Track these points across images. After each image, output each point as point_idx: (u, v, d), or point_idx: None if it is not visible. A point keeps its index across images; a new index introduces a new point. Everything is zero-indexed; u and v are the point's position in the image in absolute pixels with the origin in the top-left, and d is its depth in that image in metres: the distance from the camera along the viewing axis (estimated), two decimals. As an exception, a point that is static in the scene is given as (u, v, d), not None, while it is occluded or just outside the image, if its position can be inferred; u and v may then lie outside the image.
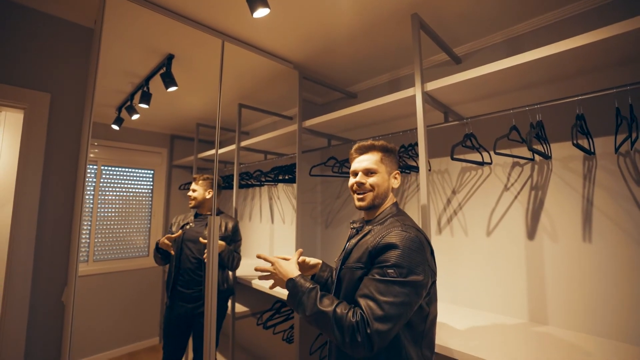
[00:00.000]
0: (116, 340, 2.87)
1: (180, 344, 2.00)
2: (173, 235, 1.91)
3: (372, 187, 1.01)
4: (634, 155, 1.18)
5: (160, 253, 1.96)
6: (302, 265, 1.15)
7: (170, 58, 1.79)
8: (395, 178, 1.05)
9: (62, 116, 1.52)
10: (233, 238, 1.96)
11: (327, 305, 0.84)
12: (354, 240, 1.02)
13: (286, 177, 2.24)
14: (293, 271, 0.98)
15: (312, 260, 1.18)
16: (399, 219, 0.96)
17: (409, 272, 0.83)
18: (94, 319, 2.67)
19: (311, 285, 0.91)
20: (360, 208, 1.03)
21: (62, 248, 1.51)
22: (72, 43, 1.58)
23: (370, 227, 1.00)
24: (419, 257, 0.86)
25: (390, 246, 0.86)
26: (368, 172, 1.02)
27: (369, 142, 1.06)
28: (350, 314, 0.80)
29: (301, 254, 1.11)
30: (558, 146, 1.34)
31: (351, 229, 1.09)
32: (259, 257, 1.09)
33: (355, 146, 1.07)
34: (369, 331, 0.77)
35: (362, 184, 1.02)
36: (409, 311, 0.83)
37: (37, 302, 1.40)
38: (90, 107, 1.30)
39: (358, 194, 1.03)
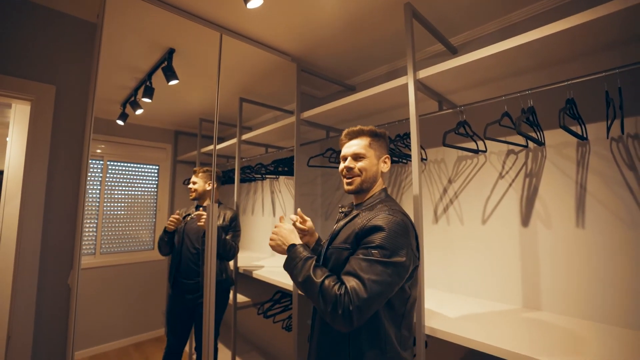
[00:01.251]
0: (122, 331, 2.94)
1: (183, 333, 2.05)
2: (177, 216, 1.95)
3: (360, 172, 1.04)
4: (626, 139, 1.19)
5: (168, 237, 1.99)
6: (305, 232, 1.22)
7: (171, 52, 1.83)
8: (385, 162, 1.08)
9: (67, 109, 1.58)
10: (231, 228, 2.00)
11: (319, 276, 0.88)
12: (342, 223, 1.04)
13: (285, 169, 2.27)
14: (295, 239, 1.02)
15: (312, 227, 1.22)
16: (387, 204, 0.99)
17: (392, 254, 0.86)
18: (100, 309, 2.74)
19: (308, 255, 0.96)
20: (348, 192, 1.07)
21: (68, 235, 1.57)
22: (76, 37, 1.64)
23: (358, 211, 1.03)
24: (403, 240, 0.89)
25: (376, 228, 0.89)
26: (357, 157, 1.05)
27: (358, 127, 1.08)
28: (336, 287, 0.84)
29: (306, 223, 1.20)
30: (552, 133, 1.34)
31: (340, 212, 1.13)
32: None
33: (345, 132, 1.10)
34: (351, 308, 0.80)
35: (351, 168, 1.05)
36: (390, 291, 0.86)
37: (44, 286, 1.46)
38: (92, 99, 1.34)
39: (347, 178, 1.06)
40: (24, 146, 2.08)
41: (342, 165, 1.08)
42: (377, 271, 0.83)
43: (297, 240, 1.02)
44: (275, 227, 1.06)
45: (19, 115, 2.13)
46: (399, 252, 0.86)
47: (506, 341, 1.01)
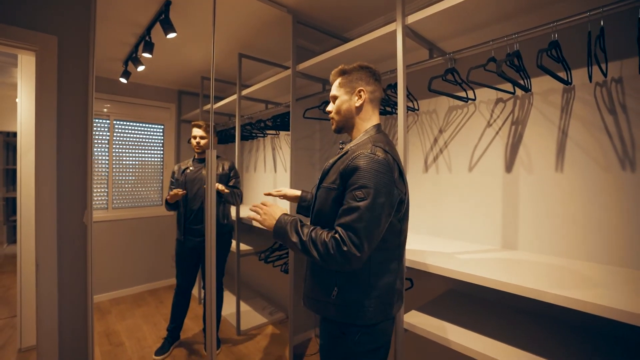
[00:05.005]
0: (138, 278, 3.20)
1: (191, 274, 2.21)
2: (180, 194, 2.07)
3: (335, 114, 1.10)
4: (610, 84, 1.21)
5: (170, 205, 2.15)
6: (287, 198, 1.34)
7: (167, 4, 1.84)
8: (359, 96, 1.05)
9: (70, 59, 1.63)
10: (231, 176, 2.16)
11: (305, 233, 0.95)
12: (331, 161, 1.06)
13: (284, 123, 2.33)
14: (277, 212, 1.05)
15: (290, 192, 1.33)
16: (373, 140, 0.99)
17: (376, 194, 0.88)
18: (116, 258, 2.97)
19: (291, 219, 1.01)
20: (334, 132, 1.13)
21: (80, 180, 1.68)
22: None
23: (348, 147, 1.05)
24: (386, 178, 0.91)
25: (358, 168, 0.91)
26: (333, 99, 1.11)
27: (334, 70, 1.11)
28: (324, 234, 0.91)
29: (280, 192, 1.35)
30: (539, 80, 1.36)
31: (340, 148, 1.15)
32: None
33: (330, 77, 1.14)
34: (345, 249, 0.86)
35: (330, 111, 1.11)
36: (382, 230, 0.92)
37: (63, 224, 1.60)
38: (93, 42, 1.40)
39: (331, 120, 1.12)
40: (32, 100, 2.17)
41: None
42: (366, 217, 0.87)
43: (280, 213, 1.05)
44: (267, 205, 1.09)
45: (26, 72, 2.20)
46: (382, 190, 0.89)
47: (482, 272, 1.09)
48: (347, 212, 0.90)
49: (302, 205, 1.32)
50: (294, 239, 0.96)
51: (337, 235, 0.88)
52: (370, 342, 0.99)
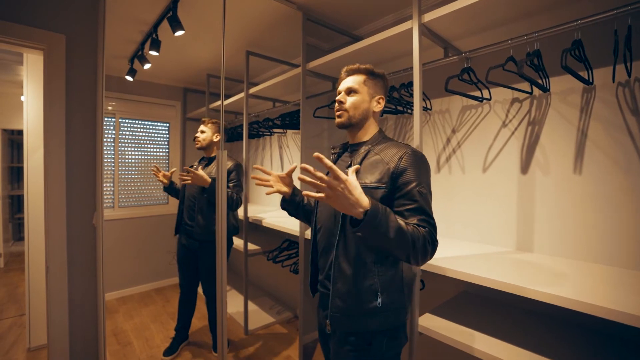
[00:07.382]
0: (144, 277, 3.20)
1: (190, 274, 2.18)
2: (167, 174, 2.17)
3: (350, 106, 1.04)
4: (633, 84, 1.17)
5: (167, 190, 2.19)
6: (285, 180, 1.23)
7: (175, 1, 1.81)
8: (378, 102, 1.07)
9: (78, 58, 1.61)
10: (229, 180, 2.01)
11: (405, 225, 0.82)
12: (357, 161, 1.03)
13: (293, 122, 2.30)
14: (365, 198, 0.79)
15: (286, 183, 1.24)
16: (398, 142, 1.05)
17: (429, 186, 0.97)
18: (123, 257, 2.97)
19: (384, 206, 0.81)
20: (337, 125, 1.08)
21: (89, 181, 1.67)
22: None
23: (366, 148, 1.03)
24: (429, 173, 1.00)
25: (412, 166, 0.94)
26: (349, 92, 1.05)
27: (356, 65, 1.08)
28: (417, 228, 0.85)
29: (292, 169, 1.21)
30: (558, 79, 1.33)
31: (332, 154, 1.16)
32: (316, 160, 0.80)
33: (344, 69, 1.10)
34: (436, 244, 0.88)
35: (342, 102, 1.05)
36: None
37: (72, 226, 1.59)
38: (102, 42, 1.37)
39: (337, 111, 1.07)
40: (39, 99, 2.15)
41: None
42: (430, 205, 0.93)
43: (367, 200, 0.79)
44: (346, 181, 0.76)
45: (32, 70, 2.18)
46: (430, 184, 0.98)
47: (497, 275, 1.07)
48: (419, 209, 0.91)
49: (292, 199, 1.23)
50: (392, 233, 0.78)
51: (428, 230, 0.87)
52: (395, 346, 0.99)
